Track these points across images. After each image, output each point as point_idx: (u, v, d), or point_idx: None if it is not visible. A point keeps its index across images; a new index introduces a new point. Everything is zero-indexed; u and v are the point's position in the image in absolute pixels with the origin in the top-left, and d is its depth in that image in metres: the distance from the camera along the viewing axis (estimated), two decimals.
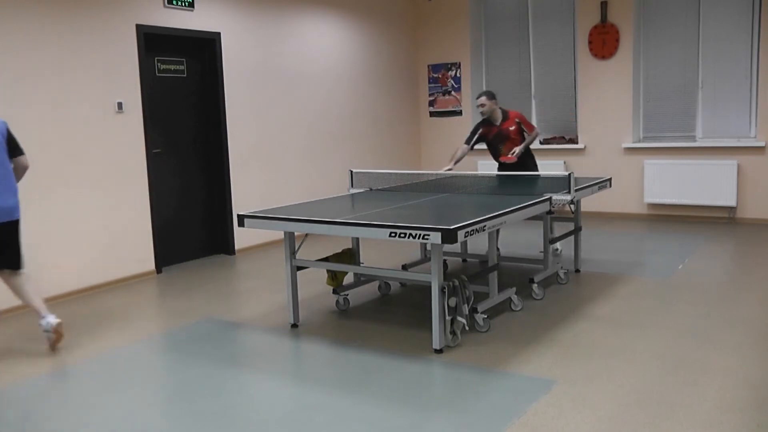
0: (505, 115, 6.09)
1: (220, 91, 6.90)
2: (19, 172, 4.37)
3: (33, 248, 5.36)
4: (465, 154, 6.11)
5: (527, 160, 6.16)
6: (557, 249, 6.39)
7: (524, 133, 6.10)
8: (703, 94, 8.05)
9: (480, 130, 6.13)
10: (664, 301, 4.86)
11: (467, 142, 6.14)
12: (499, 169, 6.17)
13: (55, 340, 4.27)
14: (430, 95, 9.84)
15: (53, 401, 3.54)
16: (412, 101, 9.78)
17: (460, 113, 9.57)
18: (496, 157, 6.21)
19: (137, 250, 6.18)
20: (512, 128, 6.05)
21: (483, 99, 6.01)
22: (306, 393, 3.51)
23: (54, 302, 5.48)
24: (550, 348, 3.99)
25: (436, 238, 3.60)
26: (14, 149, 4.31)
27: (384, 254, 6.69)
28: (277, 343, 4.32)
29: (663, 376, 3.52)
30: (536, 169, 6.15)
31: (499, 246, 6.25)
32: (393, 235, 3.75)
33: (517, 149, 5.97)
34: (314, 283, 5.63)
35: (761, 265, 5.82)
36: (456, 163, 6.02)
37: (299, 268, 4.59)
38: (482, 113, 6.09)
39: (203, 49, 6.86)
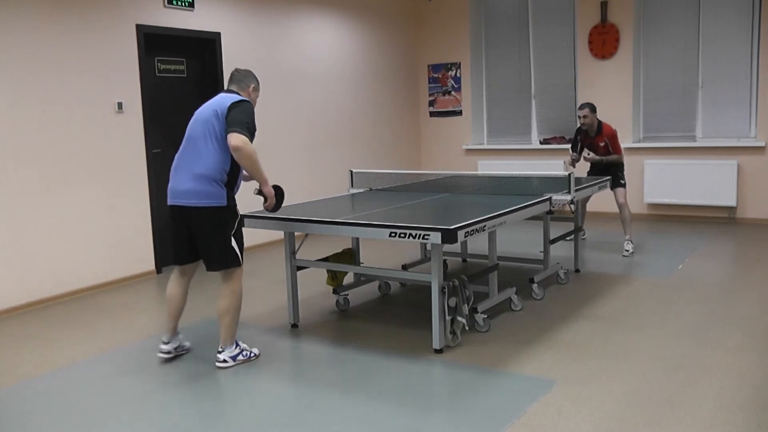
0: (599, 129, 6.41)
1: (220, 91, 6.86)
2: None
3: (33, 248, 5.37)
4: (576, 159, 6.56)
5: (614, 171, 6.44)
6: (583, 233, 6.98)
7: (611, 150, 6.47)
8: (703, 94, 8.05)
9: (579, 137, 6.57)
10: (664, 301, 4.86)
11: (573, 149, 6.60)
12: (589, 171, 6.63)
13: None
14: (430, 95, 9.83)
15: (53, 401, 3.54)
16: (412, 101, 9.78)
17: (460, 113, 9.57)
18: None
19: (137, 250, 6.18)
20: (602, 144, 6.42)
21: (587, 111, 6.35)
22: (306, 393, 3.50)
23: (54, 302, 5.49)
24: (550, 348, 3.99)
25: (436, 238, 3.60)
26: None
27: (384, 254, 6.68)
28: (277, 343, 4.32)
29: (663, 376, 3.52)
30: (622, 180, 6.51)
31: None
32: (393, 235, 3.74)
33: (593, 156, 6.44)
34: (314, 283, 5.62)
35: (761, 265, 5.82)
36: (575, 161, 6.57)
37: (299, 268, 4.59)
38: (582, 124, 6.42)
39: (203, 49, 6.85)
